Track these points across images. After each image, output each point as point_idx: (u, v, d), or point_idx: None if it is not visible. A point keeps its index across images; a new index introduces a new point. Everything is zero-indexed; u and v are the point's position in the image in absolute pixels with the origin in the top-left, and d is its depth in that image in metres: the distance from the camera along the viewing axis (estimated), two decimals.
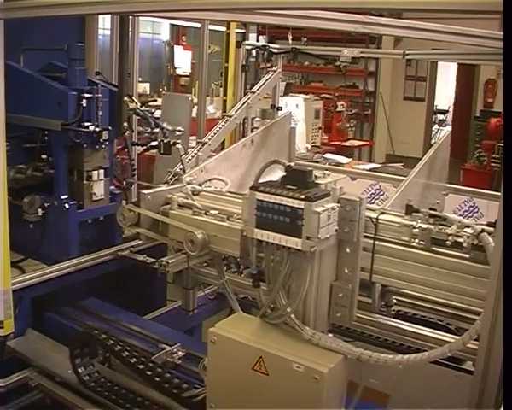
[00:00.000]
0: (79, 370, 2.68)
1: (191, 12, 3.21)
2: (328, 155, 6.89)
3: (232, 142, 4.17)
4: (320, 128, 8.92)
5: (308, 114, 8.20)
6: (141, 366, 2.54)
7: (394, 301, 2.62)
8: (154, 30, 12.34)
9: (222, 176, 2.90)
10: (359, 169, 5.77)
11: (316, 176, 1.95)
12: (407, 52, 4.38)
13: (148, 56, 11.94)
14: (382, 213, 2.10)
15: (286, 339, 1.98)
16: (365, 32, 2.95)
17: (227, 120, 3.46)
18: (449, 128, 13.29)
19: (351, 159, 7.36)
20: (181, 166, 3.10)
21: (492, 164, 8.78)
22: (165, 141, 3.58)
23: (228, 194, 2.59)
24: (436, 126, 14.74)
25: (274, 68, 4.36)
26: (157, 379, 2.48)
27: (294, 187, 1.89)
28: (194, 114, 4.60)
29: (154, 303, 3.74)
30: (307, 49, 5.29)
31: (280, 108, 4.70)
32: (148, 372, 2.52)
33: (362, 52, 4.60)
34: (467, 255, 1.94)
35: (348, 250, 2.01)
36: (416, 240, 2.02)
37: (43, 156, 3.31)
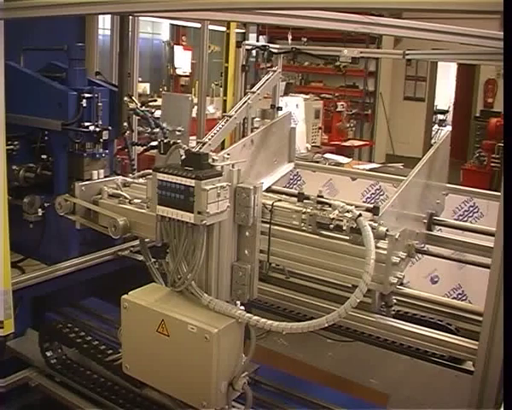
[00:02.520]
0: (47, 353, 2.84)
1: (191, 12, 3.21)
2: (328, 155, 6.88)
3: (232, 142, 4.17)
4: (320, 128, 8.90)
5: (308, 114, 8.18)
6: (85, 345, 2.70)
7: (394, 301, 2.62)
8: (154, 30, 12.33)
9: None
10: (359, 169, 5.75)
11: (214, 159, 2.11)
12: (407, 52, 4.38)
13: (148, 56, 11.92)
14: (277, 200, 2.33)
15: (187, 305, 2.17)
16: (365, 32, 2.95)
17: (227, 120, 3.45)
18: (449, 128, 13.27)
19: (351, 159, 7.35)
20: None
21: (492, 164, 8.76)
22: (165, 141, 3.58)
23: None
24: (436, 126, 14.72)
25: (274, 68, 4.35)
26: (85, 346, 2.68)
27: (191, 168, 2.08)
28: (194, 114, 4.59)
29: None
30: (307, 49, 5.28)
31: (280, 108, 4.69)
32: (85, 345, 2.70)
33: (362, 52, 4.59)
34: (347, 237, 2.14)
35: (247, 234, 2.20)
36: (306, 224, 2.23)
37: (43, 156, 3.31)
